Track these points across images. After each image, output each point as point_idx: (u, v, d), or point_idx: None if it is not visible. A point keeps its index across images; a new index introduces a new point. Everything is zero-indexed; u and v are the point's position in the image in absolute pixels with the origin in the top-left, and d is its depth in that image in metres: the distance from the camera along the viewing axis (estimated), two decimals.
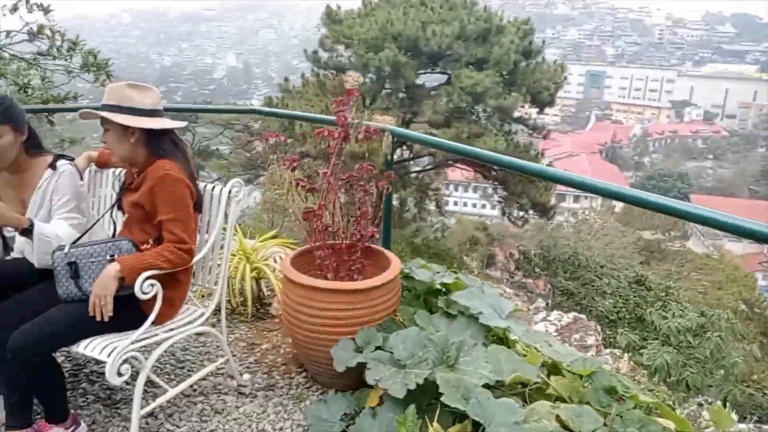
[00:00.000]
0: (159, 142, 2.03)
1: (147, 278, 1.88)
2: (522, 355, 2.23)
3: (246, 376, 2.52)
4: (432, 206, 19.42)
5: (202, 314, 2.22)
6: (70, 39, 6.16)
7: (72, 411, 2.07)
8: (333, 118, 2.49)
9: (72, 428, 2.02)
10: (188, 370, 2.59)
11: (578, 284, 14.72)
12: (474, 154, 2.66)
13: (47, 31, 6.03)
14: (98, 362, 2.14)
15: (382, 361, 2.09)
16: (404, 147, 17.23)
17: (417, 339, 2.13)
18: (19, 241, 2.07)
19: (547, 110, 17.59)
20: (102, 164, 2.42)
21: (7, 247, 2.11)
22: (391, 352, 2.12)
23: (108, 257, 1.92)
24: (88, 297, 1.89)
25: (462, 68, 16.09)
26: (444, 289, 2.56)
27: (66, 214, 2.07)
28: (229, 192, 2.20)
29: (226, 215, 2.22)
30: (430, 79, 18.22)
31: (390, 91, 17.66)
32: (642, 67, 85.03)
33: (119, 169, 2.40)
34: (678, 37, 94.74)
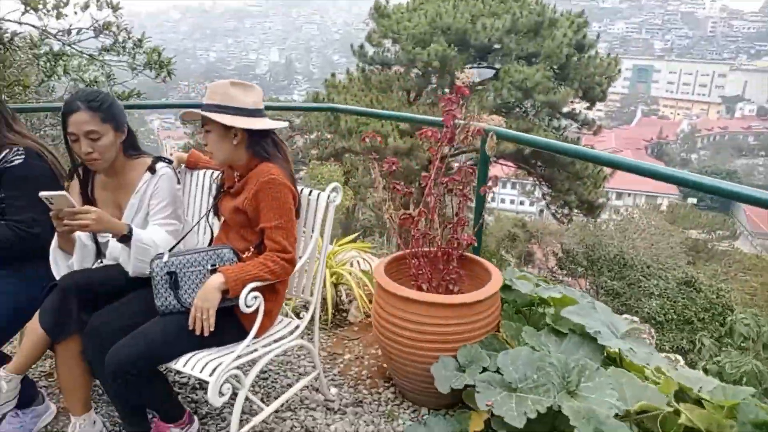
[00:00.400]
0: (261, 144, 1.91)
1: (251, 290, 1.76)
2: (644, 378, 2.02)
3: (333, 390, 2.40)
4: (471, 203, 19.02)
5: (297, 326, 2.09)
6: (135, 36, 6.19)
7: (187, 408, 2.01)
8: (434, 118, 2.33)
9: (188, 426, 1.96)
10: (273, 382, 2.48)
11: (624, 284, 14.22)
12: (588, 156, 2.44)
13: (114, 28, 6.07)
14: (180, 372, 2.06)
15: (492, 384, 1.92)
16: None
17: (529, 360, 1.96)
18: (113, 247, 1.99)
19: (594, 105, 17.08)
20: (191, 165, 2.32)
21: (100, 253, 2.03)
22: (500, 374, 1.95)
23: (209, 267, 1.81)
24: (187, 309, 1.79)
25: (512, 62, 15.70)
26: (546, 303, 2.37)
27: (163, 220, 1.98)
28: (327, 197, 2.06)
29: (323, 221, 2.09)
30: (475, 74, 17.89)
31: (436, 86, 17.43)
32: (692, 62, 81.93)
33: (213, 171, 2.29)
34: (733, 29, 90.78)
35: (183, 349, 1.78)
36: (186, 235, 2.02)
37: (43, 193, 1.67)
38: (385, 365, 2.59)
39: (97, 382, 2.05)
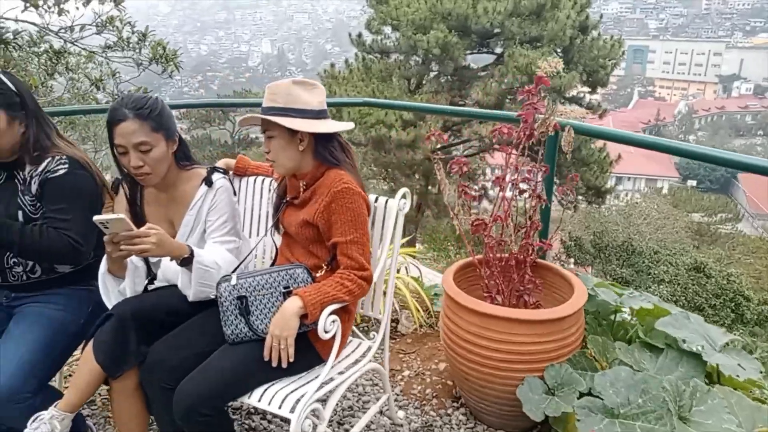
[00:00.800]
0: (329, 148, 1.70)
1: (329, 314, 1.57)
2: (753, 398, 1.84)
3: (400, 414, 2.21)
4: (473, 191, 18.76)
5: (369, 348, 1.90)
6: (139, 31, 5.94)
7: None
8: (506, 113, 2.12)
9: None
10: (342, 409, 2.29)
11: (632, 271, 14.10)
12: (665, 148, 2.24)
13: (117, 23, 5.82)
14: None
15: (593, 411, 1.73)
16: (449, 132, 16.76)
17: (632, 382, 1.77)
18: (166, 269, 1.79)
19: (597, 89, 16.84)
20: (240, 172, 2.11)
21: (150, 274, 1.83)
22: (600, 398, 1.76)
23: (282, 289, 1.61)
24: (260, 337, 1.59)
25: (516, 47, 15.41)
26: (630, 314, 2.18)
27: (223, 238, 1.77)
28: (398, 204, 1.86)
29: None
30: (475, 60, 17.63)
31: (437, 73, 17.17)
32: (688, 41, 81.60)
33: (265, 179, 2.08)
34: (728, 6, 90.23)
35: (257, 382, 1.59)
36: (250, 253, 1.82)
37: (98, 217, 1.46)
38: (450, 383, 2.41)
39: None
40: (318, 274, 1.68)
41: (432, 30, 15.59)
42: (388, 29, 16.97)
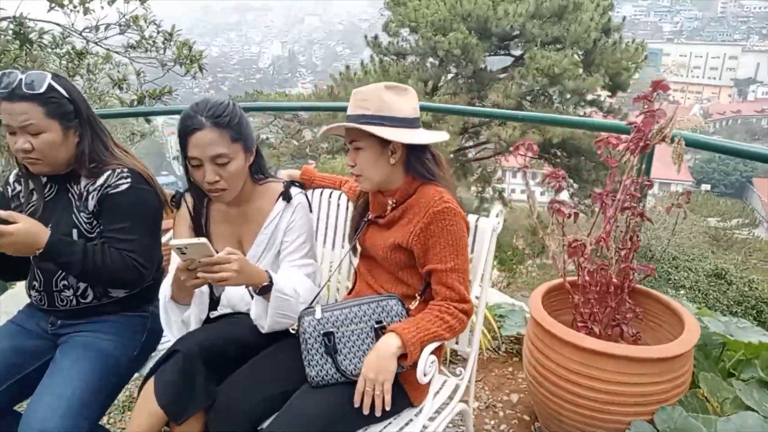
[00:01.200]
0: (423, 160, 1.49)
1: (429, 354, 1.35)
2: None
3: None
4: (488, 194, 18.50)
5: (457, 387, 1.68)
6: (165, 30, 5.76)
7: None
8: (615, 122, 1.89)
9: None
10: None
11: (651, 278, 13.76)
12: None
13: (141, 22, 5.65)
14: None
15: None
16: (466, 134, 16.52)
17: (760, 430, 1.54)
18: (231, 293, 1.58)
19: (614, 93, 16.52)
20: (306, 185, 1.90)
21: (212, 298, 1.62)
22: None
23: (374, 323, 1.40)
24: (349, 380, 1.38)
25: (537, 49, 15.16)
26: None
27: (301, 261, 1.56)
28: (492, 225, 1.64)
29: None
30: (492, 62, 17.40)
31: (454, 75, 16.96)
32: (703, 44, 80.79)
33: (335, 192, 1.87)
34: (744, 9, 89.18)
35: (345, 431, 1.37)
36: (330, 279, 1.60)
37: (177, 242, 1.25)
38: (527, 417, 2.18)
39: None
40: (411, 306, 1.46)
41: (452, 31, 15.39)
42: (405, 31, 16.80)
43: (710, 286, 12.60)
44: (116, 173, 1.53)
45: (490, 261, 1.66)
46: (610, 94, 16.99)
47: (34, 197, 1.59)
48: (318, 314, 1.40)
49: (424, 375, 1.35)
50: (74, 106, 1.52)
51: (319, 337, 1.39)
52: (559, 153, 16.51)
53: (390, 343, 1.32)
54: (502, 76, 16.65)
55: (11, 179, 1.66)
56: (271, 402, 1.40)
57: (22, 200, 1.60)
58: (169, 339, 1.77)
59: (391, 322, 1.40)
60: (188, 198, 1.61)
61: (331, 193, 1.89)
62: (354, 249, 1.63)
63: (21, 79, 1.43)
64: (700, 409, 1.74)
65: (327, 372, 1.39)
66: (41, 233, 1.40)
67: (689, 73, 79.54)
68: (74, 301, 1.58)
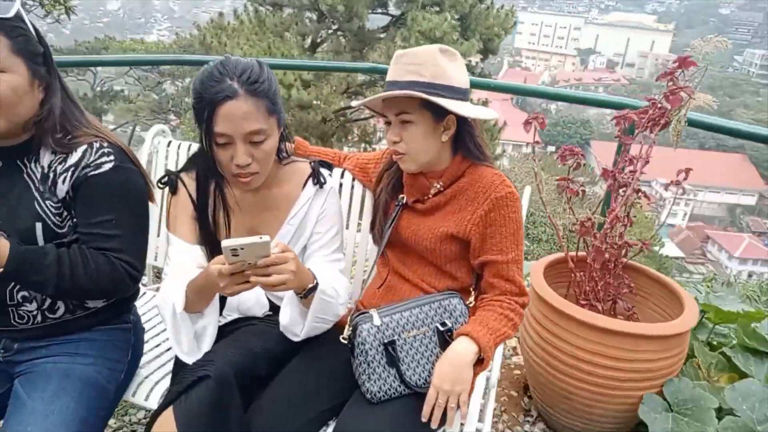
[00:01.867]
0: (474, 139, 1.33)
1: None
2: None
3: None
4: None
5: (488, 379, 1.58)
6: None
7: None
8: (633, 101, 1.84)
9: None
10: None
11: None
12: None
13: None
14: None
15: (734, 429, 1.60)
16: (347, 94, 16.32)
17: (764, 395, 1.66)
18: (246, 298, 1.31)
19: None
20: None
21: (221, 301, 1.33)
22: (736, 415, 1.63)
23: (438, 326, 1.24)
24: (416, 392, 1.22)
25: (417, 10, 15.24)
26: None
27: (334, 255, 1.34)
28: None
29: None
30: (372, 20, 17.21)
31: (334, 31, 16.53)
32: (553, 14, 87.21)
33: (336, 170, 1.63)
34: None
35: None
36: (369, 275, 1.39)
37: (230, 242, 0.97)
38: (515, 393, 2.18)
39: None
40: (471, 304, 1.32)
41: None
42: None
43: (566, 238, 13.93)
44: (95, 149, 1.17)
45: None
46: (482, 57, 17.64)
47: None
48: (377, 320, 1.21)
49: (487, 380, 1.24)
50: (44, 47, 1.14)
51: (380, 347, 1.21)
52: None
53: (467, 350, 1.18)
54: (382, 36, 16.53)
55: None
56: (319, 423, 1.20)
57: None
58: (156, 354, 1.47)
59: (455, 324, 1.25)
60: (186, 179, 1.30)
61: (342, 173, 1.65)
62: (379, 237, 1.44)
63: None
64: (696, 377, 1.84)
65: (391, 386, 1.21)
66: None
67: (539, 41, 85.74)
68: (39, 317, 1.22)
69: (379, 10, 16.91)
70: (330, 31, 16.87)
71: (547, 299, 1.81)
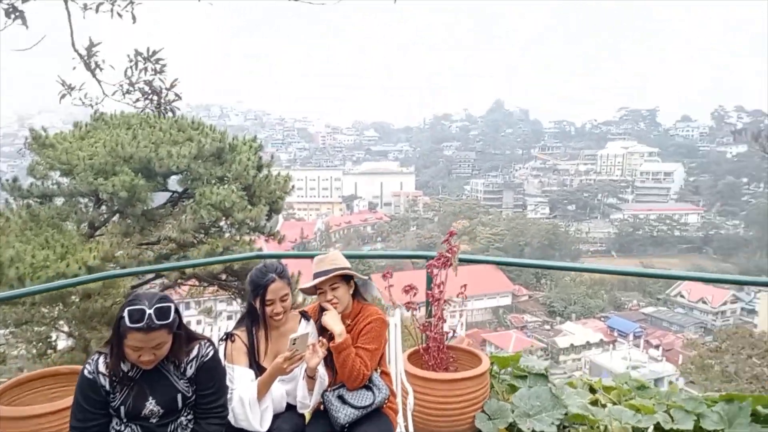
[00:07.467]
0: (364, 290, 2.63)
1: None
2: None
3: None
4: None
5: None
6: None
7: None
8: (429, 253, 3.33)
9: None
10: None
11: None
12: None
13: None
14: None
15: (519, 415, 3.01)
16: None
17: (529, 396, 3.13)
18: (276, 396, 2.30)
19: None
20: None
21: None
22: (519, 409, 3.05)
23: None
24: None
25: (205, 185, 16.50)
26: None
27: None
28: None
29: None
30: (156, 197, 17.90)
31: (123, 214, 16.75)
32: (314, 169, 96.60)
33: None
34: (337, 142, 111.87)
35: None
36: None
37: (293, 336, 2.05)
38: None
39: None
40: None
41: (114, 174, 15.40)
42: (55, 174, 15.96)
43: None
44: (204, 345, 2.05)
45: None
46: (268, 217, 19.34)
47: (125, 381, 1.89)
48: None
49: None
50: (178, 315, 1.95)
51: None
52: (225, 277, 17.74)
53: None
54: (172, 210, 17.20)
55: (101, 381, 1.88)
56: None
57: (116, 387, 1.88)
58: None
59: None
60: (240, 333, 2.32)
61: None
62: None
63: (150, 314, 1.78)
64: (498, 397, 3.25)
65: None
66: None
67: (307, 194, 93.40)
68: None
69: (161, 188, 17.66)
70: (110, 214, 16.95)
71: (411, 372, 3.09)
